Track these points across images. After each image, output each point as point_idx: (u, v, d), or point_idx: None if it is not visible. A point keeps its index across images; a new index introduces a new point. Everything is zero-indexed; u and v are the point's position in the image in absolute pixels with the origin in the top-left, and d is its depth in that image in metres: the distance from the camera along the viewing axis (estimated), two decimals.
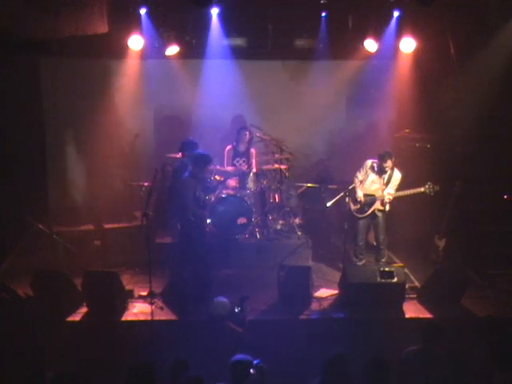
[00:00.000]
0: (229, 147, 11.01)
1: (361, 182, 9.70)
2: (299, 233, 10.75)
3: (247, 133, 10.90)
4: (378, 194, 9.70)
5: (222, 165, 10.84)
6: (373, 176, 9.70)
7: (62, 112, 11.72)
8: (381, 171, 9.63)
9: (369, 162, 9.78)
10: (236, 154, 10.97)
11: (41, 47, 8.42)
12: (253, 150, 11.10)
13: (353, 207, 9.83)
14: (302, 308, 8.66)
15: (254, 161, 11.04)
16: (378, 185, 9.74)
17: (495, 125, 10.63)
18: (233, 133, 11.34)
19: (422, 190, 9.48)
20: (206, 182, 9.96)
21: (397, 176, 9.72)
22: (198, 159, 9.00)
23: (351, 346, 6.98)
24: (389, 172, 9.67)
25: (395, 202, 9.75)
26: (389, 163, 9.55)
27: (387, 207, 9.73)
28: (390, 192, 9.65)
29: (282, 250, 10.38)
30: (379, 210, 9.76)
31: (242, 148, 10.94)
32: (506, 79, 10.24)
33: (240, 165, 10.91)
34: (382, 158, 9.55)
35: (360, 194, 9.73)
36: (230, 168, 10.81)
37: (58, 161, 11.91)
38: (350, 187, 9.60)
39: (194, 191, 8.95)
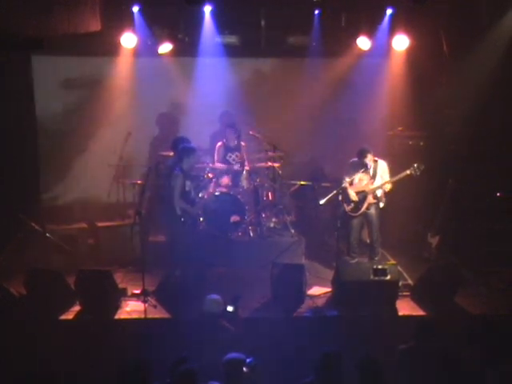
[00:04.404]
0: (219, 144, 11.01)
1: (350, 183, 9.69)
2: (292, 231, 10.75)
3: (232, 131, 10.88)
4: (368, 188, 9.71)
5: (213, 162, 10.86)
6: (359, 174, 9.68)
7: (53, 110, 11.72)
8: (365, 167, 9.61)
9: (351, 163, 9.80)
10: (227, 149, 10.95)
11: (32, 45, 8.37)
12: (243, 144, 11.09)
13: (347, 208, 9.84)
14: (295, 306, 8.65)
15: (244, 155, 11.05)
16: (366, 180, 9.75)
17: (489, 122, 10.65)
18: (222, 129, 11.36)
19: (408, 172, 9.46)
20: (198, 179, 10.01)
21: (382, 165, 9.77)
22: (182, 152, 9.11)
23: (344, 344, 7.00)
24: (372, 165, 9.68)
25: (387, 198, 9.78)
26: (369, 157, 9.57)
27: (381, 204, 9.75)
28: (387, 179, 9.68)
29: (275, 248, 10.36)
30: (373, 206, 9.76)
31: (232, 143, 10.93)
32: (499, 77, 10.25)
33: (233, 160, 10.90)
34: (361, 155, 9.58)
35: (352, 194, 9.73)
36: (221, 165, 10.79)
37: (51, 159, 11.88)
38: (343, 185, 9.60)
39: (182, 186, 8.98)
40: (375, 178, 9.73)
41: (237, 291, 8.23)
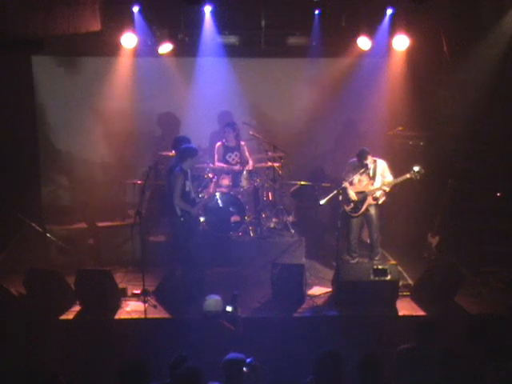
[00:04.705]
0: (219, 143, 10.99)
1: (349, 183, 9.67)
2: (292, 231, 10.75)
3: (231, 130, 10.86)
4: (368, 189, 9.71)
5: (213, 162, 10.86)
6: (359, 174, 9.67)
7: (54, 110, 11.72)
8: (364, 168, 9.61)
9: (351, 163, 9.80)
10: (227, 149, 10.94)
11: (32, 45, 8.37)
12: (243, 143, 11.08)
13: (347, 208, 9.84)
14: (295, 306, 8.67)
15: (247, 154, 11.04)
16: (365, 181, 9.75)
17: (488, 122, 10.65)
18: (222, 129, 11.36)
19: (408, 176, 9.49)
20: (199, 179, 10.01)
21: (381, 164, 9.76)
22: (183, 152, 9.07)
23: (344, 344, 7.00)
24: (372, 166, 9.67)
25: (388, 199, 9.78)
26: (369, 159, 9.57)
27: (381, 200, 9.74)
28: (387, 181, 9.66)
29: (276, 248, 10.38)
30: (373, 207, 9.77)
31: (231, 143, 10.92)
32: (499, 76, 10.25)
33: (233, 160, 10.89)
34: (361, 157, 9.56)
35: (352, 194, 9.73)
36: (222, 165, 10.80)
37: (51, 159, 11.88)
38: (343, 185, 9.59)
39: (182, 185, 8.95)
40: (375, 179, 9.73)
41: (236, 291, 8.22)
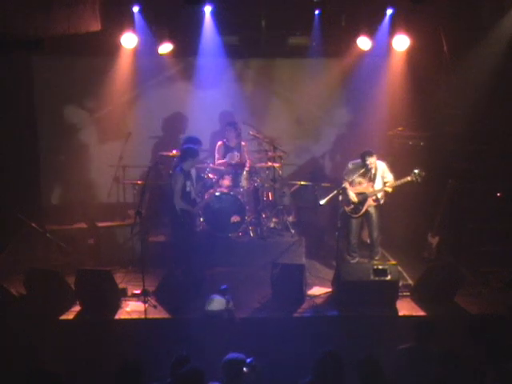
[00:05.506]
0: (220, 143, 11.00)
1: (350, 183, 9.67)
2: (292, 231, 10.76)
3: (232, 129, 10.87)
4: (369, 190, 9.71)
5: (214, 162, 10.87)
6: (359, 176, 9.66)
7: (54, 110, 11.73)
8: (365, 169, 9.61)
9: (351, 164, 9.80)
10: (227, 149, 10.94)
11: (32, 45, 8.38)
12: (244, 143, 11.08)
13: (347, 209, 9.83)
14: (295, 306, 8.65)
15: (246, 154, 11.04)
16: (366, 182, 9.74)
17: (488, 122, 10.64)
18: (222, 129, 11.38)
19: (409, 178, 9.48)
20: (203, 180, 10.02)
21: (382, 166, 9.75)
22: (184, 153, 9.08)
23: (344, 344, 7.00)
24: (373, 167, 9.66)
25: (387, 199, 9.78)
26: (374, 159, 9.57)
27: (381, 201, 9.74)
28: (388, 183, 9.66)
29: (276, 248, 10.36)
30: (373, 207, 9.77)
31: (232, 143, 10.92)
32: (499, 76, 10.24)
33: (233, 160, 10.87)
34: (365, 157, 9.54)
35: (352, 196, 9.72)
36: (222, 161, 10.80)
37: (51, 159, 11.88)
38: (343, 185, 9.58)
39: (182, 185, 8.96)
40: (375, 181, 9.71)
41: (237, 291, 8.21)
